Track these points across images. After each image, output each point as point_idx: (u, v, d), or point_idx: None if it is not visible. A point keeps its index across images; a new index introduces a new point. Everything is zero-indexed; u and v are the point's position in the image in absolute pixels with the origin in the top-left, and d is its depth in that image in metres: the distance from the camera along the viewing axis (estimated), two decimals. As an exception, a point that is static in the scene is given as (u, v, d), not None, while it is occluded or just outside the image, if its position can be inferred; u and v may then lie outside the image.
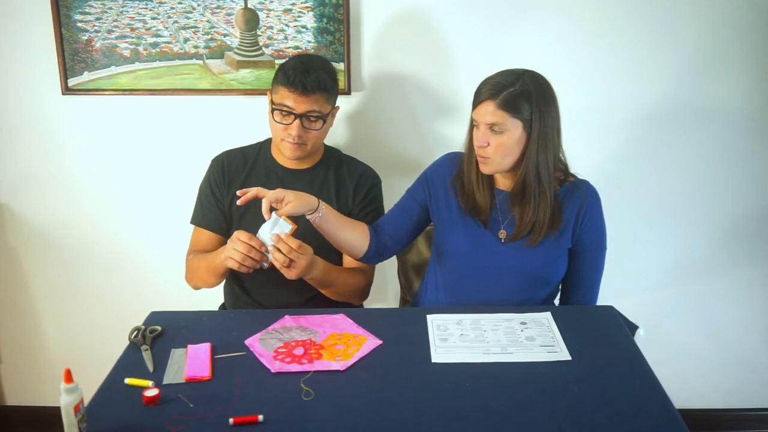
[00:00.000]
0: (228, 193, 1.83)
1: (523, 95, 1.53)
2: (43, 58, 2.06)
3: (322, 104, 1.71)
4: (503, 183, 1.68)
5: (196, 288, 1.84)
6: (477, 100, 1.58)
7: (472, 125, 1.63)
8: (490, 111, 1.54)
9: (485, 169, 1.61)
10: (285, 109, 1.69)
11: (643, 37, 2.02)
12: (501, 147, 1.56)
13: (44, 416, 2.30)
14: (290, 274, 1.56)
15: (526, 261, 1.65)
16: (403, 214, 1.77)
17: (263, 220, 1.75)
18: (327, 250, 1.74)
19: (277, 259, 1.54)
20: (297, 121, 1.69)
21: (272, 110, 1.72)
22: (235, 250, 1.54)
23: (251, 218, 1.79)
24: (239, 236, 1.55)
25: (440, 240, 1.74)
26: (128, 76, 2.08)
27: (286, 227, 1.56)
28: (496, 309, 1.57)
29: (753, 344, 2.33)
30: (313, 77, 1.67)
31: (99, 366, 1.41)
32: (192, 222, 1.87)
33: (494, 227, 1.67)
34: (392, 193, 1.90)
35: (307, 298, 1.81)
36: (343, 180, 1.85)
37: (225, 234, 1.84)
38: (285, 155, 1.78)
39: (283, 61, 1.84)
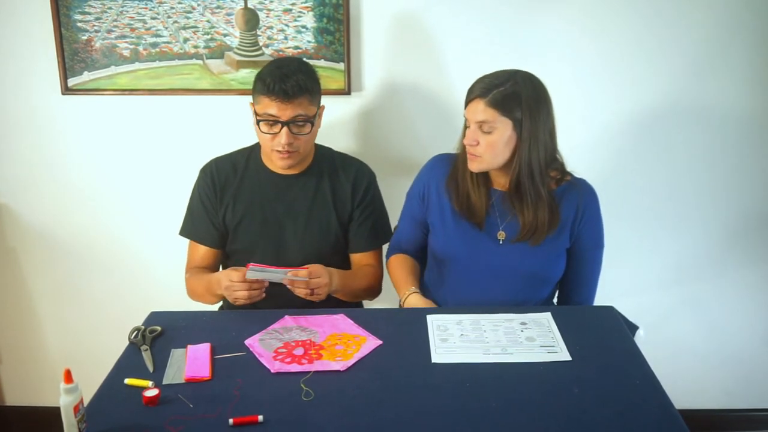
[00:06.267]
0: (220, 204, 1.79)
1: (514, 95, 1.53)
2: (42, 58, 2.06)
3: (306, 107, 1.65)
4: (499, 182, 1.67)
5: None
6: (468, 99, 1.59)
7: (466, 123, 1.63)
8: (480, 109, 1.55)
9: (473, 166, 1.61)
10: (270, 118, 1.65)
11: (644, 37, 2.01)
12: (490, 146, 1.56)
13: (44, 416, 2.30)
14: (317, 299, 1.61)
15: (525, 262, 1.65)
16: (417, 235, 1.81)
17: (257, 231, 1.75)
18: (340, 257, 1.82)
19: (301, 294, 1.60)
20: (285, 129, 1.64)
21: (257, 121, 1.68)
22: (237, 292, 1.57)
23: (245, 228, 1.78)
24: (231, 278, 1.57)
25: (435, 244, 1.74)
26: (128, 76, 2.08)
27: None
28: (496, 309, 1.57)
29: (753, 344, 2.33)
30: (292, 81, 1.61)
31: (99, 366, 1.41)
32: (181, 233, 1.84)
33: (492, 229, 1.67)
34: (391, 194, 1.90)
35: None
36: (339, 183, 1.81)
37: (219, 247, 1.82)
38: (277, 165, 1.75)
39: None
